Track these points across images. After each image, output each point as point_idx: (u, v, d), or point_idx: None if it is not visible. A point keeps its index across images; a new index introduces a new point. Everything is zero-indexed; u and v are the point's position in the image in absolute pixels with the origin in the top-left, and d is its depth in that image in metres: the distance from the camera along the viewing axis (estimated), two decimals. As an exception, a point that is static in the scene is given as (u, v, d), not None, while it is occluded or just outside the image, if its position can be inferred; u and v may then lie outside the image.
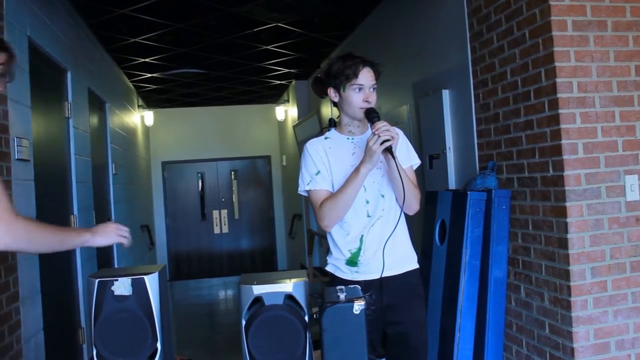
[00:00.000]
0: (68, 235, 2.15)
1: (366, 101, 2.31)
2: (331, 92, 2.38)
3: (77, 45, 4.69)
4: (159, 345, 2.05)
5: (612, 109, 2.87)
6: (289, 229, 9.67)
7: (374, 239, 2.34)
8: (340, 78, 2.31)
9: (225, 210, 10.51)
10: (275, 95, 9.51)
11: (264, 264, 10.42)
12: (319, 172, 2.38)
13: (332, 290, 2.09)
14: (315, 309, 2.07)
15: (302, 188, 2.41)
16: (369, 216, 2.35)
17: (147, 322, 2.02)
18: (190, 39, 5.73)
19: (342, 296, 2.03)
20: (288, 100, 9.07)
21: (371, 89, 2.33)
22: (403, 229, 2.42)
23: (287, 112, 9.21)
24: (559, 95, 2.80)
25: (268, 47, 6.21)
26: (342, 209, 2.33)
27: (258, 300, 2.01)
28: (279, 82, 8.34)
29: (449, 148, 3.89)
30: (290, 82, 8.48)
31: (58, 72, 4.18)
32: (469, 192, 3.26)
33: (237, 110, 10.29)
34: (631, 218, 2.88)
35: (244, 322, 1.99)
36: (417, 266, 2.45)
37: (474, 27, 3.53)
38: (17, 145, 3.05)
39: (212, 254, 10.44)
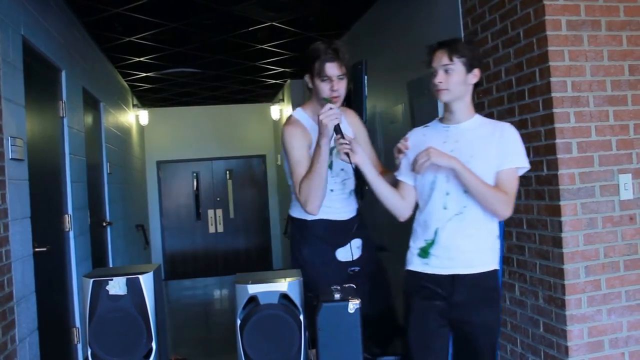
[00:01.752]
0: (314, 165, 2.40)
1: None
2: None
3: (72, 44, 4.68)
4: (154, 344, 2.05)
5: (606, 108, 2.88)
6: (284, 228, 9.67)
7: (449, 235, 2.28)
8: None
9: (221, 210, 10.50)
10: (270, 95, 9.51)
11: (259, 263, 10.41)
12: (400, 162, 2.44)
13: (328, 290, 2.10)
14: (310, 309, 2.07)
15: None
16: (445, 209, 2.28)
17: (142, 322, 2.03)
18: (185, 38, 5.72)
19: (337, 295, 2.04)
20: (283, 100, 9.06)
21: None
22: (485, 229, 2.30)
23: (282, 111, 9.21)
24: (553, 94, 2.81)
25: (263, 46, 6.21)
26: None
27: (253, 299, 2.02)
28: (274, 81, 8.34)
29: (444, 147, 3.89)
30: (286, 82, 8.48)
31: (52, 71, 4.17)
32: (463, 191, 3.27)
33: (232, 110, 10.28)
34: (625, 217, 2.89)
35: (239, 322, 2.00)
36: (495, 268, 2.33)
37: (469, 26, 3.54)
38: (11, 145, 3.04)
39: (207, 254, 10.43)
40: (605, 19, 2.89)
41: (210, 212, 10.48)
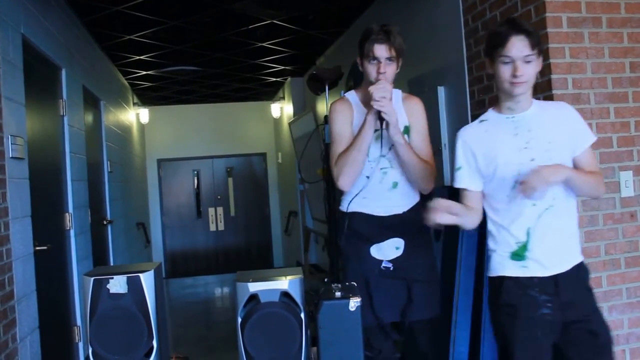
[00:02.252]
0: (355, 140, 2.38)
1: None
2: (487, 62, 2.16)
3: (72, 42, 4.68)
4: (154, 343, 2.05)
5: (607, 105, 2.88)
6: (284, 226, 9.67)
7: (544, 232, 2.09)
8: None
9: (221, 208, 10.51)
10: (270, 93, 9.51)
11: (260, 262, 10.42)
12: (460, 168, 2.22)
13: (328, 288, 2.09)
14: (311, 306, 2.07)
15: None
16: (534, 205, 2.09)
17: (143, 320, 2.02)
18: (185, 36, 5.72)
19: (338, 293, 2.03)
20: (283, 98, 9.06)
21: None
22: (572, 218, 2.17)
23: (282, 109, 9.21)
24: (554, 91, 2.81)
25: (263, 44, 6.20)
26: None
27: (254, 297, 2.02)
28: (275, 79, 8.33)
29: (445, 145, 3.89)
30: (286, 79, 8.47)
31: (52, 69, 4.17)
32: (464, 189, 3.26)
33: (233, 108, 10.28)
34: (626, 214, 2.89)
35: (239, 320, 2.00)
36: (583, 257, 2.19)
37: (469, 23, 3.53)
38: (12, 144, 3.04)
39: (207, 252, 10.44)
40: (606, 16, 2.88)
41: (211, 210, 10.48)
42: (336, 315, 1.97)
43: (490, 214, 2.22)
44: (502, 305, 2.15)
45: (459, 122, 3.74)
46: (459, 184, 2.23)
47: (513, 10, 3.05)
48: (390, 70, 2.41)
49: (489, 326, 3.21)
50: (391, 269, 2.48)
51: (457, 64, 3.69)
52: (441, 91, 3.90)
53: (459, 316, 3.21)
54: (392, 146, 2.44)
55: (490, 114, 2.22)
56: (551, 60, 2.80)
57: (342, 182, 2.43)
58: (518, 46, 2.02)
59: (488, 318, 3.20)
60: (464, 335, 3.23)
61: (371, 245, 2.49)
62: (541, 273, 2.10)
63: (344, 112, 2.52)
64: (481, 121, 2.23)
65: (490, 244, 2.22)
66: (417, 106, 2.64)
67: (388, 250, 2.49)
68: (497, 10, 3.21)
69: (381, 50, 2.37)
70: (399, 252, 2.49)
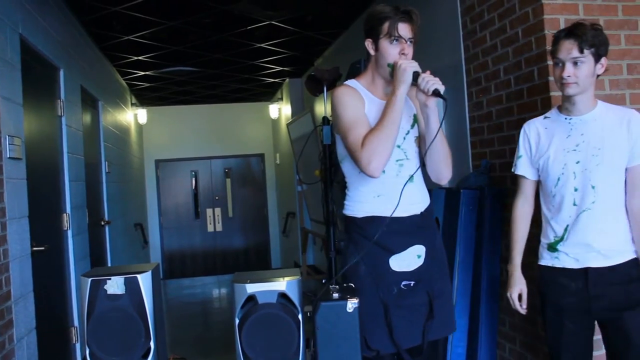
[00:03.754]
0: (388, 114, 2.15)
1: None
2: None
3: (70, 42, 4.67)
4: (152, 344, 2.05)
5: (604, 107, 2.88)
6: (282, 227, 9.67)
7: (579, 232, 2.22)
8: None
9: (219, 209, 10.50)
10: (268, 94, 9.51)
11: (257, 263, 10.41)
12: (520, 156, 2.40)
13: (326, 289, 2.09)
14: (309, 307, 2.07)
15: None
16: (575, 205, 2.23)
17: (140, 321, 2.03)
18: (184, 36, 5.72)
19: (335, 294, 2.03)
20: (282, 99, 9.06)
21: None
22: (616, 221, 2.22)
23: (280, 110, 9.21)
24: (551, 93, 2.81)
25: (262, 45, 6.20)
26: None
27: (251, 298, 2.02)
28: (273, 80, 8.33)
29: (443, 146, 3.89)
30: (284, 80, 8.47)
31: (50, 69, 4.16)
32: (462, 190, 3.27)
33: (231, 108, 10.28)
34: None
35: (237, 321, 2.00)
36: (633, 256, 2.23)
37: (467, 25, 3.54)
38: (9, 144, 3.04)
39: (205, 253, 10.43)
40: (603, 18, 2.89)
41: (209, 211, 10.48)
42: (334, 316, 1.97)
43: (542, 203, 2.37)
44: (539, 292, 2.38)
45: (457, 123, 3.74)
46: (518, 170, 2.42)
47: (511, 11, 3.06)
48: (410, 52, 2.24)
49: (486, 327, 3.23)
50: (412, 285, 2.26)
51: (455, 66, 3.69)
52: (439, 92, 3.90)
53: (457, 317, 3.21)
54: (406, 135, 2.31)
55: (553, 112, 2.35)
56: (549, 62, 2.81)
57: (375, 166, 2.11)
58: (566, 49, 2.14)
59: (485, 319, 3.21)
60: (462, 337, 3.23)
61: (390, 256, 2.24)
62: (571, 265, 2.25)
63: (354, 96, 2.26)
64: (545, 117, 2.37)
65: (541, 234, 2.38)
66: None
67: (410, 259, 2.26)
68: (495, 12, 3.22)
69: (406, 30, 2.21)
70: (421, 262, 2.28)
